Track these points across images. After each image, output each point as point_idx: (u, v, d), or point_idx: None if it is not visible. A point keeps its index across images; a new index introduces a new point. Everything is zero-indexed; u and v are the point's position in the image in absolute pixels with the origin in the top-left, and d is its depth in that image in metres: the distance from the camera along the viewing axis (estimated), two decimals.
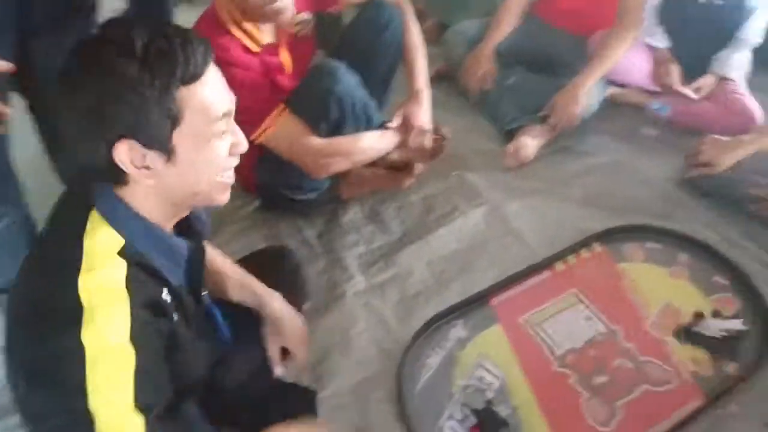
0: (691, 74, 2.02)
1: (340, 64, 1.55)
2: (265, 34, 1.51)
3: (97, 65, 0.71)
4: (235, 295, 1.12)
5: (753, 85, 2.03)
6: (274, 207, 1.77)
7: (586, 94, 1.89)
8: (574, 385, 1.36)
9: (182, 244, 0.87)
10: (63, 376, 0.70)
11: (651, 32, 2.05)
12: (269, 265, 1.24)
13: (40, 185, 1.49)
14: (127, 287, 0.74)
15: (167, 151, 0.76)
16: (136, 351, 0.71)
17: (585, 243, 1.65)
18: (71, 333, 0.70)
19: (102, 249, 0.76)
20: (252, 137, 1.45)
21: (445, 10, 2.50)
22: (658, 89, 2.06)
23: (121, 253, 0.77)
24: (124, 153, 0.74)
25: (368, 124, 1.62)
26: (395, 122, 1.64)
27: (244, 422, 1.04)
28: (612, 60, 1.91)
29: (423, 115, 1.65)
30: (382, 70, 1.74)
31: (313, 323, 1.46)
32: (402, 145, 1.66)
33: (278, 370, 1.18)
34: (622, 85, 2.10)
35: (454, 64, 2.18)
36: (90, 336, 0.70)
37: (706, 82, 1.98)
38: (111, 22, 0.76)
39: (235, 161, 0.85)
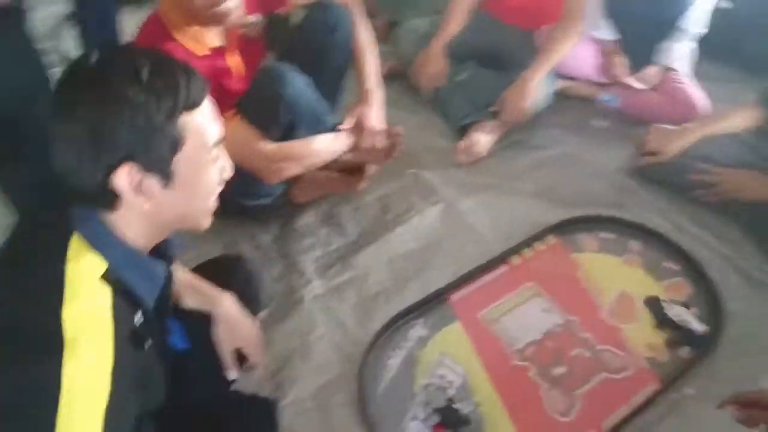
0: (637, 65, 2.06)
1: (289, 67, 1.53)
2: (213, 38, 1.48)
3: (104, 91, 0.73)
4: (188, 300, 1.11)
5: (698, 74, 2.09)
6: (228, 214, 1.74)
7: (536, 88, 1.91)
8: (533, 377, 1.37)
9: (161, 268, 0.88)
10: (34, 409, 0.67)
11: (597, 25, 2.09)
12: (223, 274, 1.22)
13: None
14: (112, 317, 0.74)
15: (166, 176, 0.78)
16: (112, 388, 0.70)
17: (539, 236, 1.66)
18: (51, 364, 0.68)
19: (86, 275, 0.75)
20: None
21: (395, 8, 2.49)
22: (606, 81, 2.09)
23: (104, 278, 0.76)
24: (124, 177, 0.75)
25: (320, 127, 1.60)
26: (347, 124, 1.63)
27: None
28: (559, 54, 1.94)
29: (375, 115, 1.64)
30: (333, 71, 1.73)
31: (271, 330, 1.45)
32: (355, 146, 1.65)
33: (232, 374, 1.17)
34: (571, 78, 2.12)
35: (405, 62, 2.18)
36: (71, 369, 0.68)
37: (651, 72, 2.03)
38: (113, 51, 0.78)
39: (221, 187, 0.88)
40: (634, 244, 1.66)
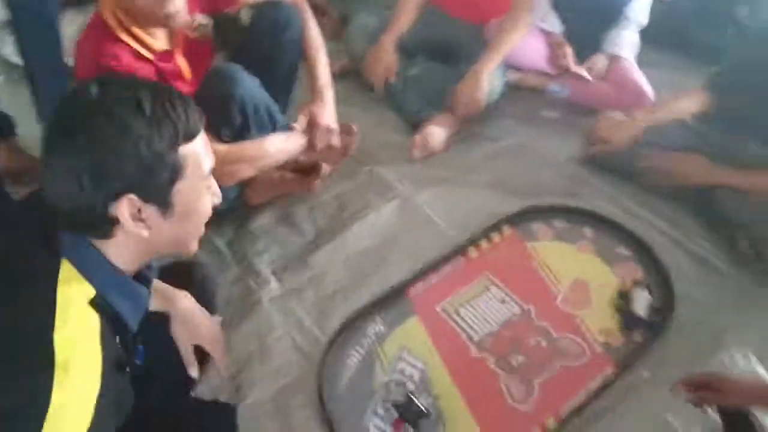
0: (584, 55, 2.09)
1: (238, 68, 1.51)
2: (159, 40, 1.44)
3: (107, 123, 0.73)
4: None
5: (643, 61, 2.13)
6: None
7: (487, 80, 1.92)
8: (492, 367, 1.39)
9: (145, 292, 0.89)
10: (21, 423, 0.69)
11: (545, 17, 2.11)
12: (178, 280, 1.20)
13: None
14: (101, 343, 0.76)
15: (165, 205, 0.79)
16: (95, 414, 0.72)
17: (495, 227, 1.68)
18: (42, 383, 0.69)
19: (76, 301, 0.76)
20: None
21: (346, 4, 2.49)
22: (555, 72, 2.12)
23: (92, 303, 0.78)
24: (124, 208, 0.76)
25: (273, 127, 1.58)
26: (300, 123, 1.61)
27: None
28: (508, 45, 1.95)
29: (328, 114, 1.63)
30: (284, 70, 1.71)
31: (229, 333, 1.42)
32: (309, 146, 1.64)
33: (193, 371, 1.17)
34: (521, 70, 2.14)
35: (357, 58, 2.17)
36: (60, 392, 0.69)
37: (598, 61, 2.06)
38: (111, 82, 0.78)
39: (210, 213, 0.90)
40: (588, 232, 1.69)
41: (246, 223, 1.72)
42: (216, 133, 1.47)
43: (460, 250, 1.62)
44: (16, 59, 2.08)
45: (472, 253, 1.62)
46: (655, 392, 1.36)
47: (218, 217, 1.67)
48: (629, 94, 1.98)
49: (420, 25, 2.14)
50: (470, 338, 1.44)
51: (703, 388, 1.18)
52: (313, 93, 1.64)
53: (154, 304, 1.10)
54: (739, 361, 1.42)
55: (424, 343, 1.42)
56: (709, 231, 1.72)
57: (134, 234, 0.79)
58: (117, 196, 0.75)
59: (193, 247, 0.91)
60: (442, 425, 1.28)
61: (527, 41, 2.07)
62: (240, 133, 1.51)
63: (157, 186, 0.78)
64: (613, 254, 1.63)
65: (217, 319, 1.25)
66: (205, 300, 1.24)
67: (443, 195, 1.79)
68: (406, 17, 2.13)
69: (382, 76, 2.06)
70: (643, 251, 1.64)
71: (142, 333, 0.94)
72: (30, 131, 1.83)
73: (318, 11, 1.91)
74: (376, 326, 1.45)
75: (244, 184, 1.66)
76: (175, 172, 0.78)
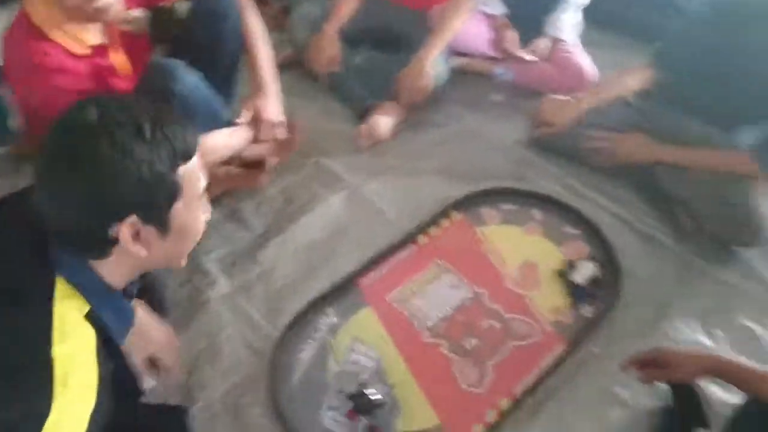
0: (528, 38, 2.11)
1: (178, 62, 1.46)
2: (93, 35, 1.39)
3: (108, 147, 0.73)
4: None
5: (586, 42, 2.15)
6: None
7: (431, 67, 1.91)
8: (445, 352, 1.39)
9: (131, 308, 0.92)
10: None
11: (487, 0, 2.12)
12: None
13: None
14: (96, 359, 0.77)
15: (164, 225, 0.81)
16: (87, 430, 0.73)
17: (444, 213, 1.68)
18: (40, 399, 0.70)
19: (72, 316, 0.77)
20: None
21: None
22: (499, 56, 2.12)
23: (87, 318, 0.79)
24: (125, 229, 0.77)
25: (216, 122, 1.55)
26: (244, 117, 1.58)
27: None
28: (451, 31, 1.95)
29: (272, 107, 1.60)
30: (225, 63, 1.67)
31: (178, 336, 1.39)
32: (254, 140, 1.61)
33: (148, 382, 1.15)
34: (466, 55, 2.15)
35: (300, 48, 2.13)
36: (58, 406, 0.70)
37: (541, 44, 2.08)
38: (109, 104, 0.78)
39: None
40: (535, 213, 1.71)
41: None
42: None
43: (410, 238, 1.61)
44: None
45: (422, 240, 1.62)
46: (605, 366, 1.38)
47: None
48: (572, 76, 2.00)
49: (362, 13, 2.11)
50: (423, 325, 1.44)
51: (651, 366, 1.21)
52: (257, 86, 1.61)
53: None
54: (684, 332, 1.46)
55: (377, 333, 1.42)
56: (652, 207, 1.76)
57: (132, 254, 0.80)
58: (118, 218, 0.77)
59: (184, 262, 0.92)
60: (398, 413, 1.28)
61: (471, 26, 2.07)
62: None
63: (157, 207, 0.79)
64: (561, 234, 1.66)
65: (170, 328, 1.24)
66: (155, 303, 1.22)
67: (391, 184, 1.78)
68: (348, 6, 2.11)
69: (325, 66, 2.03)
70: (589, 230, 1.66)
71: None
72: None
73: (259, 1, 1.87)
74: (327, 319, 1.44)
75: None
76: (174, 192, 0.80)
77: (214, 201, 1.71)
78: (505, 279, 1.54)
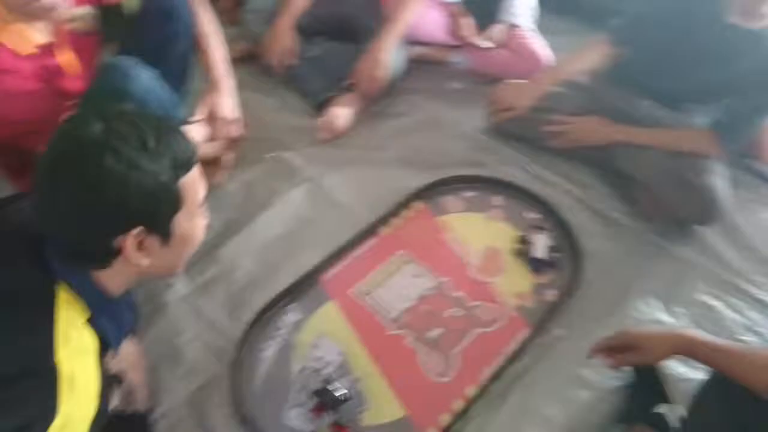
0: (483, 24, 2.10)
1: (132, 60, 1.42)
2: (39, 34, 1.34)
3: (115, 161, 0.74)
4: None
5: (541, 27, 2.16)
6: None
7: (388, 56, 1.89)
8: (410, 343, 1.38)
9: (129, 317, 0.95)
10: None
11: None
12: None
13: None
14: (97, 364, 0.80)
15: (167, 234, 0.82)
16: None
17: (405, 203, 1.67)
18: (45, 403, 0.71)
19: (75, 322, 0.78)
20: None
21: None
22: (455, 43, 2.12)
23: (88, 324, 0.80)
24: (130, 240, 0.78)
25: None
26: (199, 115, 1.55)
27: None
28: (406, 20, 1.93)
29: (227, 104, 1.57)
30: (177, 60, 1.62)
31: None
32: (210, 137, 1.57)
33: (113, 400, 1.12)
34: (423, 43, 2.13)
35: (255, 42, 2.09)
36: (65, 410, 0.72)
37: (497, 30, 2.07)
38: (113, 118, 0.77)
39: None
40: (496, 199, 1.71)
41: None
42: None
43: (371, 230, 1.60)
44: None
45: (384, 231, 1.61)
46: (570, 349, 1.39)
47: None
48: (528, 61, 2.00)
49: (317, 4, 2.08)
50: (387, 317, 1.43)
51: (616, 351, 1.21)
52: (211, 83, 1.58)
53: None
54: (645, 311, 1.48)
55: (341, 328, 1.40)
56: (611, 189, 1.78)
57: (135, 264, 0.81)
58: (124, 231, 0.78)
59: (181, 270, 0.94)
60: (364, 407, 1.27)
61: (426, 14, 2.05)
62: None
63: (161, 217, 0.80)
64: (522, 219, 1.66)
65: (139, 348, 1.26)
66: None
67: (352, 176, 1.76)
68: None
69: (281, 59, 2.00)
70: (550, 213, 1.67)
71: None
72: None
73: None
74: (290, 316, 1.42)
75: None
76: (177, 202, 0.81)
77: None
78: (469, 266, 1.54)
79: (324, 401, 1.21)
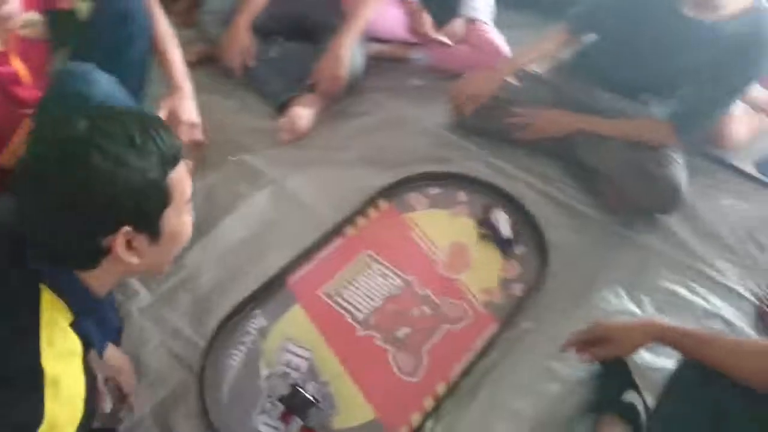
0: (442, 20, 2.10)
1: (92, 67, 1.38)
2: None
3: (103, 159, 0.72)
4: None
5: (499, 22, 2.17)
6: None
7: (348, 55, 1.88)
8: (379, 344, 1.37)
9: (114, 318, 0.93)
10: None
11: None
12: None
13: None
14: (83, 368, 0.78)
15: (155, 232, 0.81)
16: None
17: (370, 202, 1.66)
18: (30, 408, 0.70)
19: (60, 324, 0.77)
20: None
21: None
22: (416, 40, 2.11)
23: (73, 327, 0.78)
24: (120, 239, 0.77)
25: None
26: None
27: None
28: (365, 17, 1.91)
29: (187, 108, 1.54)
30: (134, 65, 1.58)
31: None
32: None
33: (106, 406, 1.15)
34: (383, 41, 2.12)
35: (212, 44, 2.06)
36: (51, 415, 0.70)
37: (456, 25, 2.07)
38: (98, 116, 0.76)
39: None
40: (461, 195, 1.71)
41: None
42: None
43: (337, 231, 1.58)
44: None
45: (350, 231, 1.60)
46: (538, 342, 1.40)
47: None
48: (487, 55, 2.01)
49: (274, 4, 2.05)
50: (355, 318, 1.41)
51: (588, 345, 1.21)
52: (172, 86, 1.54)
53: None
54: (612, 301, 1.50)
55: (308, 331, 1.38)
56: (575, 181, 1.79)
57: (123, 263, 0.79)
58: (113, 230, 0.76)
59: (168, 267, 0.93)
60: (334, 411, 1.25)
61: (385, 11, 2.05)
62: None
63: (151, 215, 0.79)
64: (484, 209, 1.65)
65: (126, 356, 1.25)
66: None
67: (316, 176, 1.74)
68: None
69: (240, 60, 1.97)
70: (514, 206, 1.67)
71: None
72: None
73: None
74: (257, 321, 1.39)
75: None
76: (166, 199, 0.79)
77: None
78: (436, 264, 1.54)
79: (292, 407, 1.19)
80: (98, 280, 0.82)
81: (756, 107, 1.95)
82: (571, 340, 1.24)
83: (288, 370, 1.29)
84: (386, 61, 2.13)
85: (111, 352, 1.15)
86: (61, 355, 0.75)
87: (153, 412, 1.25)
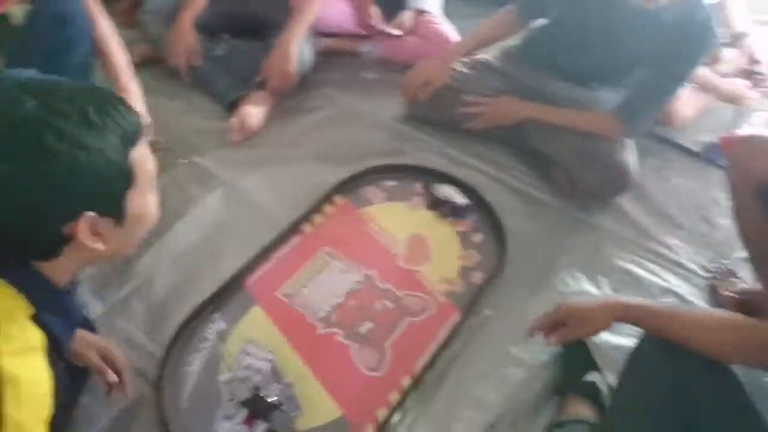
0: (391, 13, 2.09)
1: (33, 72, 1.32)
2: None
3: (57, 140, 0.67)
4: None
5: (448, 13, 2.17)
6: None
7: (297, 50, 1.85)
8: (342, 341, 1.36)
9: (77, 307, 0.88)
10: None
11: None
12: None
13: None
14: (48, 362, 0.73)
15: (120, 215, 0.76)
16: None
17: (326, 198, 1.64)
18: None
19: (17, 318, 0.72)
20: None
21: None
22: (365, 33, 2.09)
23: (34, 320, 0.74)
24: (83, 225, 0.72)
25: None
26: None
27: None
28: (312, 12, 1.89)
29: (139, 109, 1.49)
30: (76, 68, 1.53)
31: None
32: None
33: (111, 377, 1.11)
34: (332, 35, 2.10)
35: (156, 44, 2.00)
36: (15, 407, 0.66)
37: (405, 17, 2.07)
38: (47, 92, 0.69)
39: None
40: (418, 187, 1.70)
41: None
42: None
43: (294, 229, 1.56)
44: None
45: (307, 229, 1.57)
46: (499, 328, 1.41)
47: None
48: (438, 46, 2.01)
49: (216, 2, 2.01)
50: (316, 316, 1.39)
51: (556, 327, 1.20)
52: (118, 89, 1.50)
53: None
54: (570, 283, 1.51)
55: (269, 332, 1.36)
56: (528, 167, 1.81)
57: (88, 249, 0.75)
58: (74, 216, 0.71)
59: (132, 250, 0.88)
60: (299, 411, 1.23)
61: (333, 4, 2.04)
62: None
63: (114, 198, 0.75)
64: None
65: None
66: None
67: (269, 175, 1.71)
68: None
69: (184, 60, 1.92)
70: (471, 195, 1.67)
71: None
72: None
73: None
74: (215, 325, 1.36)
75: None
76: (129, 180, 0.75)
77: None
78: (395, 257, 1.53)
79: (255, 410, 1.17)
80: (59, 269, 0.77)
81: (703, 86, 1.99)
82: (537, 324, 1.23)
83: (249, 373, 1.27)
84: (337, 56, 2.11)
85: (90, 337, 1.11)
86: (20, 352, 0.70)
87: (110, 427, 1.21)
